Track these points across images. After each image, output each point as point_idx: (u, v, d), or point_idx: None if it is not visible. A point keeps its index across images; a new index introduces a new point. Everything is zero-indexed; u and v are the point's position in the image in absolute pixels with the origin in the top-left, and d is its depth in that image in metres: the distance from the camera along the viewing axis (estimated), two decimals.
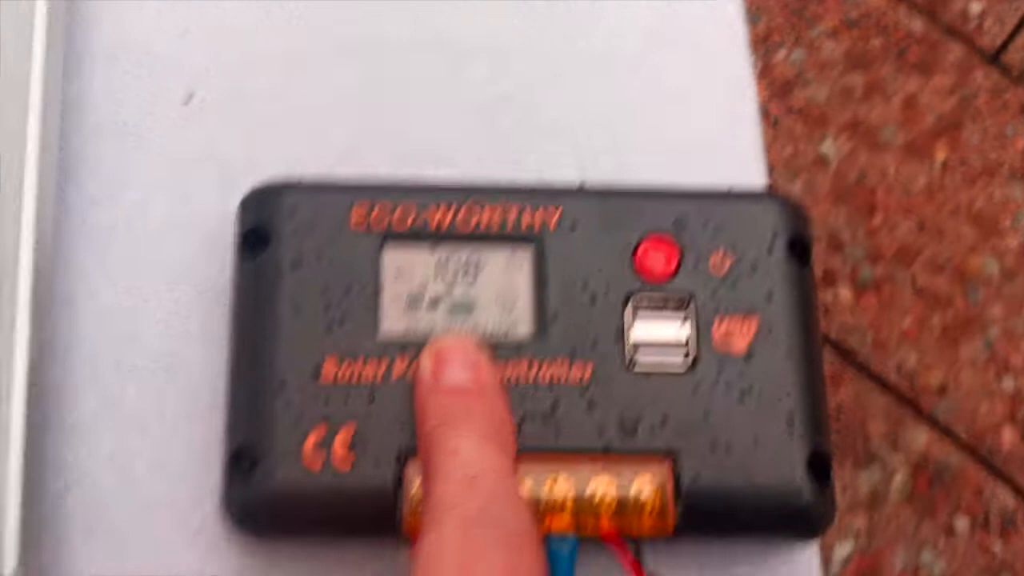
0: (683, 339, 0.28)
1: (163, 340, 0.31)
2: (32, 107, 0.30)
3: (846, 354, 0.31)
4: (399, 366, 0.27)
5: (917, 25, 0.35)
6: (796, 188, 0.33)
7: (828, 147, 0.34)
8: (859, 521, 0.30)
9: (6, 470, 0.27)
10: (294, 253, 0.28)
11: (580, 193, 0.29)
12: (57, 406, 0.30)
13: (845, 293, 0.32)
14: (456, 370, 0.27)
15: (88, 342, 0.31)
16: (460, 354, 0.27)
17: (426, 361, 0.27)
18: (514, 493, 0.26)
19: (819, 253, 0.30)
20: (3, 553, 0.26)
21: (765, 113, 0.34)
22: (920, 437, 0.30)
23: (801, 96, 0.34)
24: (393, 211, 0.28)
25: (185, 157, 0.33)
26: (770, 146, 0.34)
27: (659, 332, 0.28)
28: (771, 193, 0.30)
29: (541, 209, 0.29)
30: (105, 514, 0.29)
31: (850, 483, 0.30)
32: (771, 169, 0.33)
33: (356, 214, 0.28)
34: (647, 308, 0.28)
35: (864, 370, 0.31)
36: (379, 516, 0.26)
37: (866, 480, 0.30)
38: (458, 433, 0.26)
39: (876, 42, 0.35)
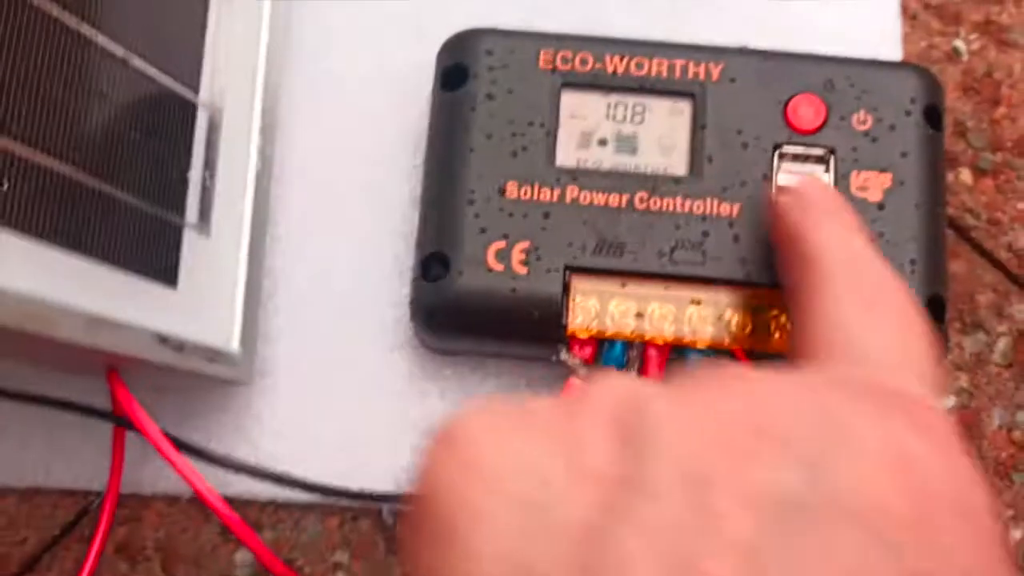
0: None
1: (365, 168, 0.32)
2: None
3: (961, 230, 0.31)
4: (571, 192, 0.28)
5: None
6: None
7: (960, 43, 0.33)
8: (962, 380, 0.30)
9: (236, 266, 0.29)
10: (488, 87, 0.29)
11: (741, 51, 0.29)
12: (272, 217, 0.32)
13: (965, 175, 0.32)
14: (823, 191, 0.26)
15: (300, 164, 0.33)
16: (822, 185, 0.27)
17: (775, 193, 0.27)
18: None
19: (945, 137, 0.31)
20: (232, 336, 0.28)
21: (905, 8, 0.34)
22: None
23: None
24: (574, 57, 0.29)
25: (388, 12, 0.34)
26: (907, 38, 0.34)
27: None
28: (911, 63, 0.30)
29: (704, 63, 0.29)
30: (304, 313, 0.32)
31: (956, 345, 0.30)
32: (906, 59, 0.34)
33: (543, 58, 0.29)
34: (794, 157, 0.29)
35: (977, 246, 0.31)
36: (548, 319, 0.27)
37: (971, 344, 0.31)
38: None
39: None
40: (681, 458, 0.16)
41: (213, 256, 0.28)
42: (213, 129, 0.28)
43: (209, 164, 0.28)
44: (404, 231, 0.31)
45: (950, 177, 0.32)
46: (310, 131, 0.32)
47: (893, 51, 0.33)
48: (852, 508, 0.15)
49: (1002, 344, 0.31)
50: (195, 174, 0.27)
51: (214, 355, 0.27)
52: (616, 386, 0.19)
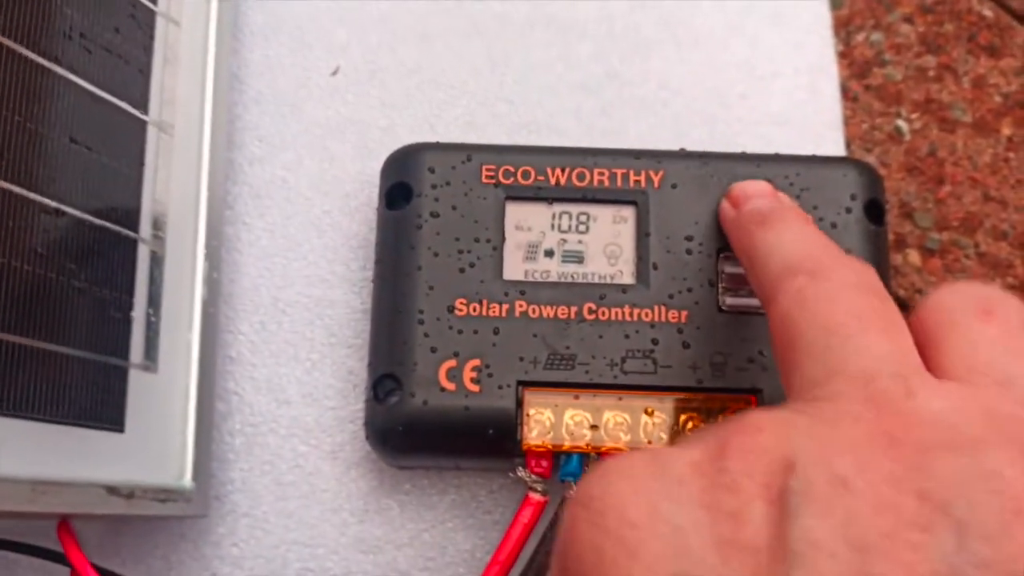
0: None
1: (310, 282, 0.33)
2: (208, 80, 0.32)
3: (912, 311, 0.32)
4: (519, 306, 0.29)
5: (987, 11, 0.35)
6: (872, 159, 0.34)
7: (902, 123, 0.34)
8: None
9: (186, 398, 0.28)
10: (432, 205, 0.29)
11: (680, 156, 0.29)
12: (222, 341, 0.32)
13: (913, 256, 0.33)
14: (756, 200, 0.27)
15: (249, 283, 0.33)
16: (755, 188, 0.27)
17: (725, 203, 0.28)
18: (850, 256, 0.22)
19: (891, 220, 0.31)
20: (184, 471, 0.28)
21: (845, 90, 0.34)
22: None
23: (879, 75, 0.35)
24: (516, 171, 0.30)
25: (330, 125, 0.35)
26: (849, 120, 0.34)
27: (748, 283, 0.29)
28: (850, 159, 0.31)
29: (644, 171, 0.30)
30: (259, 435, 0.31)
31: None
32: (849, 142, 0.34)
33: (485, 172, 0.30)
34: (738, 260, 0.29)
35: None
36: (502, 435, 0.27)
37: None
38: (776, 229, 0.24)
39: (949, 26, 0.35)
40: (838, 525, 0.16)
41: (161, 392, 0.28)
42: (156, 264, 0.28)
43: (153, 300, 0.28)
44: (357, 344, 0.32)
45: (898, 259, 0.33)
46: (257, 248, 0.33)
47: (835, 134, 0.33)
48: (1014, 569, 0.15)
49: None
50: (139, 312, 0.27)
51: (166, 495, 0.27)
52: (763, 441, 0.17)
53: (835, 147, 0.33)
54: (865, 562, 0.15)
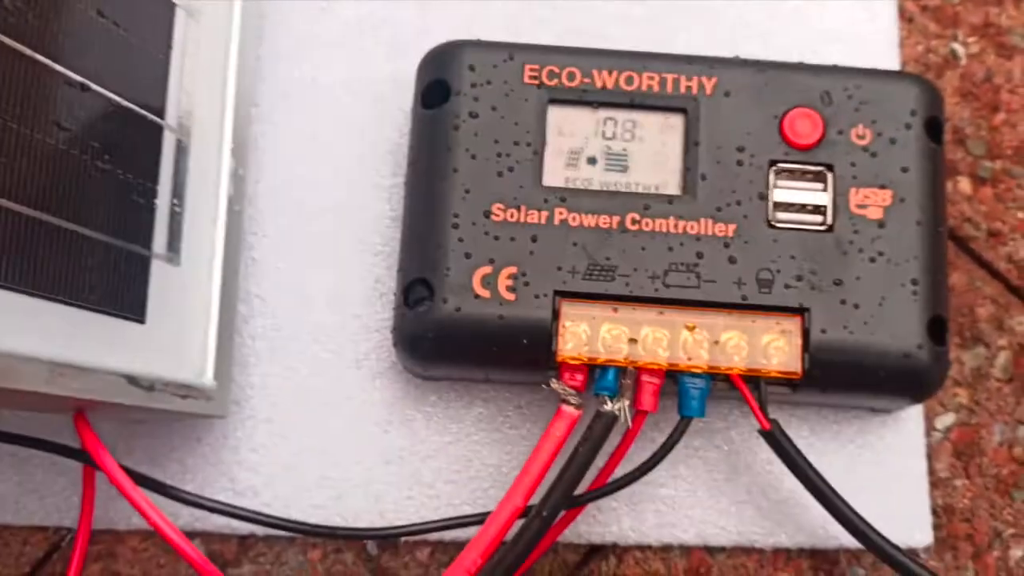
0: (822, 203, 0.27)
1: (343, 187, 0.31)
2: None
3: (960, 241, 0.30)
4: (559, 214, 0.27)
5: None
6: None
7: (958, 46, 0.32)
8: (961, 396, 0.29)
9: (209, 295, 0.27)
10: (471, 105, 0.28)
11: (735, 63, 0.28)
12: (245, 240, 0.31)
13: (964, 184, 0.31)
14: None
15: (274, 182, 0.31)
16: None
17: None
18: None
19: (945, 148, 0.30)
20: (205, 369, 0.27)
21: (901, 10, 0.33)
22: None
23: None
24: (561, 72, 0.28)
25: (363, 22, 0.33)
26: (904, 41, 0.33)
27: (800, 196, 0.27)
28: (911, 74, 0.29)
29: (696, 77, 0.28)
30: (281, 339, 0.30)
31: (955, 360, 0.29)
32: (903, 63, 0.32)
33: (528, 73, 0.28)
34: (790, 173, 0.28)
35: (977, 258, 0.30)
36: (537, 346, 0.26)
37: (971, 359, 0.30)
38: None
39: None
40: None
41: (184, 286, 0.27)
42: (181, 153, 0.27)
43: (177, 190, 0.27)
44: (384, 251, 0.30)
45: (949, 186, 0.31)
46: (284, 149, 0.31)
47: (890, 55, 0.32)
48: None
49: (1002, 358, 0.31)
50: (162, 201, 0.26)
51: (187, 391, 0.26)
52: None
53: (890, 67, 0.32)
54: None
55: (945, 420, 0.30)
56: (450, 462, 0.29)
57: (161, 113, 0.26)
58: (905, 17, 0.33)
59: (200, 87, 0.28)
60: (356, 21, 0.32)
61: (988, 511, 0.29)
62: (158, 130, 0.26)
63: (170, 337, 0.26)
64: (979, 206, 0.32)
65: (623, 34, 0.31)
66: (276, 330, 0.30)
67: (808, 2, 0.32)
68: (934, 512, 0.29)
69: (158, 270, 0.26)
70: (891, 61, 0.32)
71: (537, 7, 0.32)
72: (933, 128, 0.28)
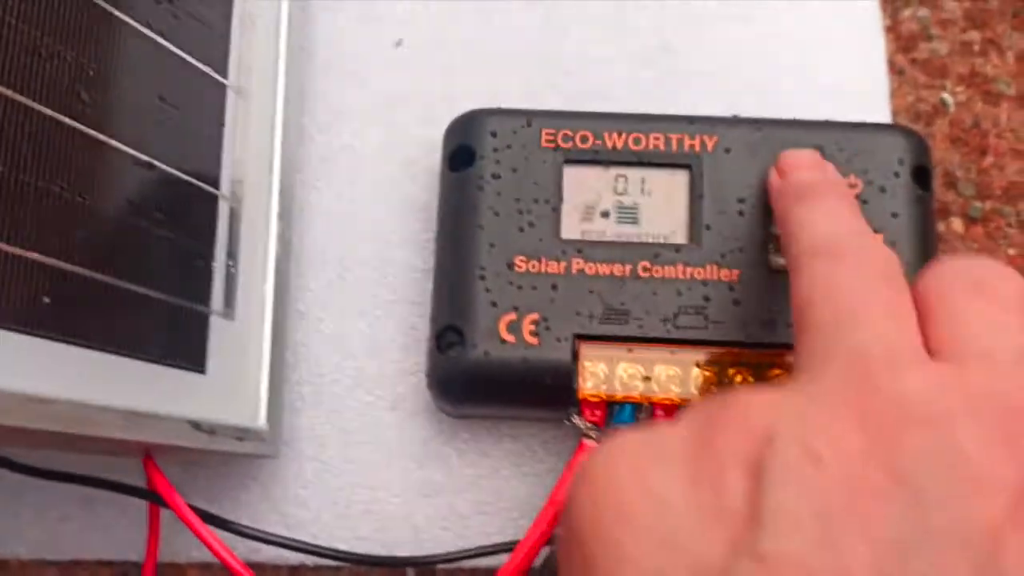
0: None
1: (374, 243, 0.34)
2: (280, 48, 0.33)
3: None
4: (576, 263, 0.30)
5: None
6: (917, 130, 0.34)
7: (947, 95, 0.35)
8: None
9: (261, 346, 0.30)
10: (494, 167, 0.30)
11: (733, 122, 0.30)
12: (291, 295, 0.34)
13: (957, 224, 0.33)
14: (800, 172, 0.27)
15: (317, 242, 0.34)
16: (801, 159, 0.28)
17: (772, 170, 0.28)
18: (875, 240, 0.23)
19: (935, 189, 0.32)
20: (259, 414, 0.30)
21: (892, 64, 0.35)
22: None
23: (925, 49, 0.35)
24: (574, 135, 0.31)
25: (394, 94, 0.36)
26: (895, 92, 0.35)
27: None
28: (898, 126, 0.32)
29: (699, 136, 0.31)
30: (325, 385, 0.33)
31: None
32: (895, 113, 0.35)
33: (545, 137, 0.31)
34: None
35: None
36: (559, 385, 0.28)
37: None
38: (809, 205, 0.25)
39: (994, 2, 0.36)
40: (804, 496, 0.17)
41: (238, 339, 0.29)
42: (234, 219, 0.30)
43: (232, 253, 0.29)
44: (418, 302, 0.33)
45: (942, 227, 0.34)
46: (325, 211, 0.34)
47: (882, 106, 0.34)
48: (967, 537, 0.16)
49: None
50: (219, 263, 0.29)
51: (243, 433, 0.28)
52: (747, 418, 0.19)
53: (882, 118, 0.34)
54: (827, 529, 0.16)
55: None
56: (482, 494, 0.31)
57: (216, 183, 0.29)
58: (895, 70, 0.35)
59: (250, 158, 0.31)
60: (388, 93, 0.35)
61: None
62: (213, 199, 0.29)
63: (228, 386, 0.29)
64: (971, 244, 0.34)
65: (630, 95, 0.34)
66: (320, 376, 0.33)
67: (803, 61, 0.34)
68: None
69: (216, 325, 0.28)
70: (882, 112, 0.34)
71: (551, 74, 0.35)
72: (921, 175, 0.30)
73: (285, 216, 0.32)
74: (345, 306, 0.33)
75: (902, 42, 0.35)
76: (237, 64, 0.31)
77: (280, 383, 0.31)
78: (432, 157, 0.33)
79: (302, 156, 0.34)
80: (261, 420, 0.29)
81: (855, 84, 0.34)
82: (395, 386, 0.32)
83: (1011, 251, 0.34)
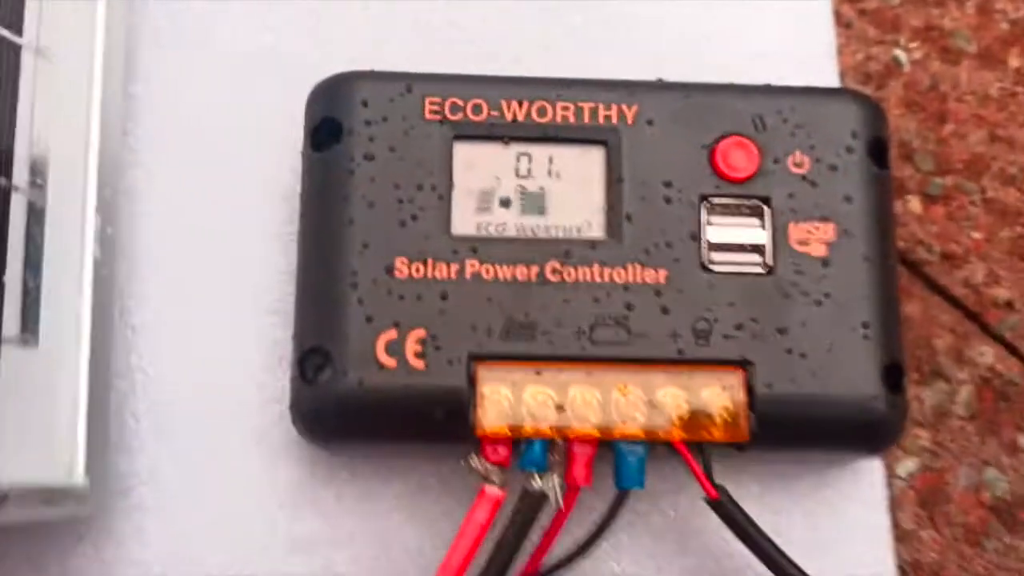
0: (760, 241, 0.25)
1: (228, 237, 0.28)
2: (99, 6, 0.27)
3: (913, 266, 0.28)
4: (471, 266, 0.24)
5: None
6: (867, 93, 0.30)
7: (900, 52, 0.30)
8: (923, 438, 0.27)
9: (76, 378, 0.24)
10: (366, 146, 0.24)
11: (658, 88, 0.25)
12: (121, 307, 0.28)
13: (914, 203, 0.29)
14: None
15: (154, 239, 0.28)
16: None
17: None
18: None
19: (891, 164, 0.27)
20: (74, 466, 0.24)
21: (838, 16, 0.30)
22: (987, 353, 0.27)
23: None
24: (465, 104, 0.25)
25: (249, 53, 0.30)
26: (842, 49, 0.30)
27: (736, 234, 0.25)
28: (849, 90, 0.27)
29: (616, 105, 0.25)
30: (170, 417, 0.27)
31: (914, 398, 0.27)
32: (842, 74, 0.30)
33: (429, 106, 0.25)
34: (724, 209, 0.25)
35: (931, 283, 0.28)
36: (453, 418, 0.23)
37: (931, 396, 0.27)
38: None
39: None
40: None
41: (42, 370, 0.23)
42: (34, 217, 0.23)
43: (31, 261, 0.23)
44: (282, 310, 0.27)
45: (898, 206, 0.29)
46: (163, 198, 0.28)
47: (828, 67, 0.29)
48: None
49: (964, 393, 0.28)
50: (12, 276, 0.23)
51: (52, 495, 0.22)
52: None
53: (828, 80, 0.29)
54: None
55: (907, 466, 0.28)
56: (366, 547, 0.26)
57: (7, 171, 0.23)
58: (842, 23, 0.30)
59: (56, 137, 0.25)
60: (242, 54, 0.29)
61: (958, 564, 0.27)
62: (2, 194, 0.23)
63: (28, 433, 0.23)
64: (931, 227, 0.29)
65: (541, 60, 0.28)
66: (163, 406, 0.27)
67: (736, 13, 0.29)
68: (900, 569, 0.27)
69: (9, 356, 0.22)
70: (830, 73, 0.29)
71: (442, 28, 0.29)
72: (877, 150, 0.25)
73: (107, 208, 0.26)
74: (191, 318, 0.27)
75: None
76: (37, 18, 0.25)
77: (104, 421, 0.25)
78: (296, 131, 0.27)
79: (132, 132, 0.28)
80: (78, 474, 0.23)
81: (798, 41, 0.29)
82: (257, 416, 0.27)
83: (976, 234, 0.29)
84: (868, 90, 0.30)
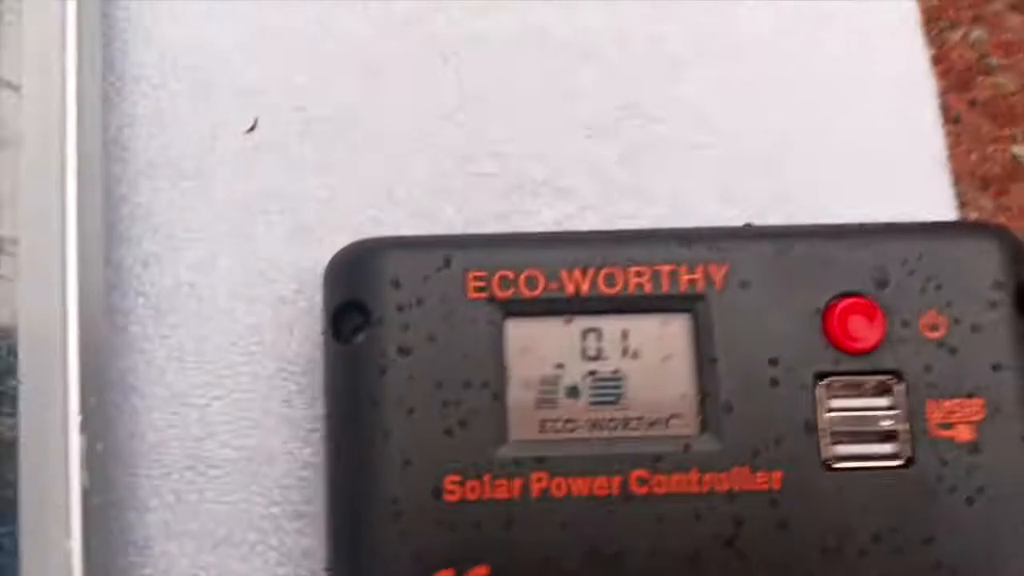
0: (893, 427, 0.20)
1: (241, 428, 0.24)
2: (69, 159, 0.23)
3: None
4: (537, 481, 0.20)
5: None
6: (986, 203, 0.25)
7: (1020, 149, 0.26)
8: None
9: None
10: (401, 336, 0.21)
11: (748, 238, 0.21)
12: (122, 521, 0.23)
13: None
14: None
15: (155, 436, 0.24)
16: None
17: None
18: None
19: None
20: None
21: (945, 110, 0.26)
22: None
23: (986, 85, 0.26)
24: (518, 276, 0.21)
25: (251, 199, 0.25)
26: (951, 150, 0.26)
27: (861, 421, 0.20)
28: (984, 225, 0.22)
29: (701, 264, 0.21)
30: None
31: None
32: (956, 180, 0.26)
33: (472, 283, 0.21)
34: (845, 389, 0.21)
35: None
36: None
37: None
38: None
39: None
40: None
41: None
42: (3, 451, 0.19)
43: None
44: (310, 512, 0.23)
45: None
46: (162, 387, 0.23)
47: (938, 173, 0.25)
48: None
49: None
50: None
51: None
52: None
53: (939, 191, 0.25)
54: None
55: None
56: None
57: None
58: (949, 117, 0.26)
59: (25, 333, 0.21)
60: (241, 198, 0.25)
61: None
62: None
63: None
64: None
65: (585, 185, 0.24)
66: None
67: (820, 115, 0.25)
68: None
69: None
70: (940, 180, 0.25)
71: (472, 159, 0.25)
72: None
73: (95, 417, 0.21)
74: (202, 530, 0.23)
75: (954, 77, 0.26)
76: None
77: None
78: (313, 291, 0.23)
79: (120, 308, 0.24)
80: None
81: (897, 143, 0.25)
82: None
83: None
84: (986, 197, 0.25)
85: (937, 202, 0.24)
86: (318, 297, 0.22)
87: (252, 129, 0.25)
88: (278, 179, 0.25)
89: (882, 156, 0.25)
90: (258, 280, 0.24)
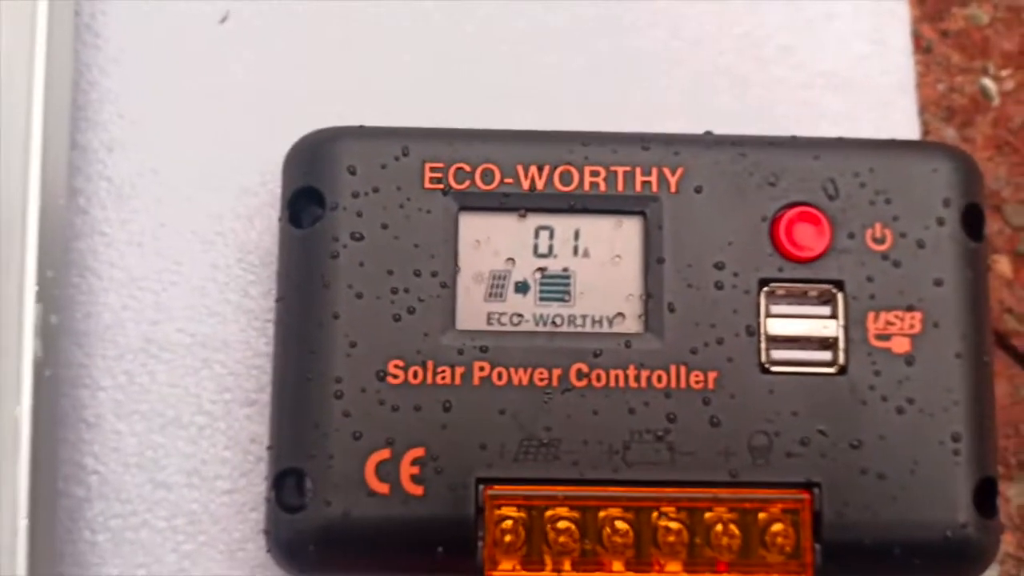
0: (831, 334, 0.21)
1: (197, 314, 0.24)
2: (39, 29, 0.23)
3: (999, 338, 0.24)
4: (479, 369, 0.20)
5: None
6: (950, 133, 0.26)
7: (989, 82, 0.26)
8: (1007, 543, 0.24)
9: (15, 491, 0.21)
10: (355, 222, 0.21)
11: (706, 143, 0.21)
12: (74, 398, 0.24)
13: (1002, 265, 0.25)
14: None
15: (111, 317, 0.24)
16: None
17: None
18: None
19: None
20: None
21: (917, 38, 0.26)
22: None
23: (959, 17, 0.26)
24: (474, 169, 0.21)
25: (221, 92, 0.26)
26: (920, 79, 0.26)
27: (802, 326, 0.21)
28: (940, 145, 0.23)
29: (657, 167, 0.21)
30: (130, 528, 0.23)
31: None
32: (922, 109, 0.26)
33: (429, 173, 0.21)
34: (788, 296, 0.21)
35: (1020, 357, 0.24)
36: (458, 554, 0.19)
37: (1017, 493, 0.24)
38: None
39: None
40: None
41: None
42: None
43: None
44: (260, 399, 0.23)
45: None
46: (120, 270, 0.24)
47: (905, 101, 0.25)
48: None
49: None
50: None
51: None
52: None
53: (905, 117, 0.25)
54: None
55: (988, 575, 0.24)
56: None
57: None
58: (920, 47, 0.26)
59: None
60: (211, 90, 0.25)
61: None
62: None
63: None
64: (1021, 292, 0.25)
65: (557, 94, 0.24)
66: (122, 517, 0.23)
67: (795, 37, 0.25)
68: None
69: None
70: (906, 107, 0.25)
71: (450, 62, 0.25)
72: (972, 220, 0.21)
73: (50, 290, 0.22)
74: (154, 411, 0.23)
75: (929, 7, 0.26)
76: None
77: (50, 539, 0.22)
78: (277, 186, 0.24)
79: (84, 191, 0.24)
80: None
81: (868, 69, 0.25)
82: (230, 528, 0.23)
83: None
84: (951, 128, 0.26)
85: (901, 130, 0.25)
86: (279, 190, 0.23)
87: (224, 20, 0.25)
88: (248, 70, 0.25)
89: (849, 80, 0.25)
90: (222, 170, 0.25)
